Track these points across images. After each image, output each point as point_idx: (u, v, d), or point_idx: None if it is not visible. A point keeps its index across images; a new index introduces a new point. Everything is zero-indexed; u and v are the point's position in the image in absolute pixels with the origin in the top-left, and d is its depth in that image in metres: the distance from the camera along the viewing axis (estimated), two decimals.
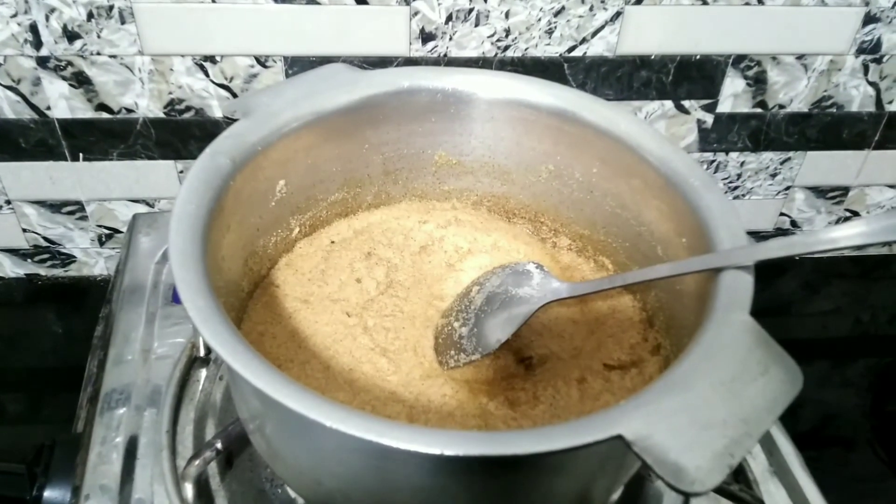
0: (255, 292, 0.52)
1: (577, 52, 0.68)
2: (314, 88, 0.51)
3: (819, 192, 0.82)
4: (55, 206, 0.74)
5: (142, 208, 0.75)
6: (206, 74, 0.66)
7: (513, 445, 0.30)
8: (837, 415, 0.72)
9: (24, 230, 0.75)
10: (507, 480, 0.36)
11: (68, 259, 0.79)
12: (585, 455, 0.32)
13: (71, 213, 0.75)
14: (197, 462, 0.47)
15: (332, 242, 0.55)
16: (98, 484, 0.49)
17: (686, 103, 0.73)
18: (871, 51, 0.71)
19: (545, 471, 0.35)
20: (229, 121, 0.49)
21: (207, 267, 0.39)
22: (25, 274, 0.80)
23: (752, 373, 0.33)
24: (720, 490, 0.49)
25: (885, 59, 0.72)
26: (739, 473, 0.53)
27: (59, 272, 0.80)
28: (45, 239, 0.76)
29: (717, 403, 0.32)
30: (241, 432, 0.48)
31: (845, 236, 0.37)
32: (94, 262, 0.79)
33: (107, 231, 0.76)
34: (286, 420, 0.37)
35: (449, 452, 0.30)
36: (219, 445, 0.48)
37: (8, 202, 0.73)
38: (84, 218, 0.75)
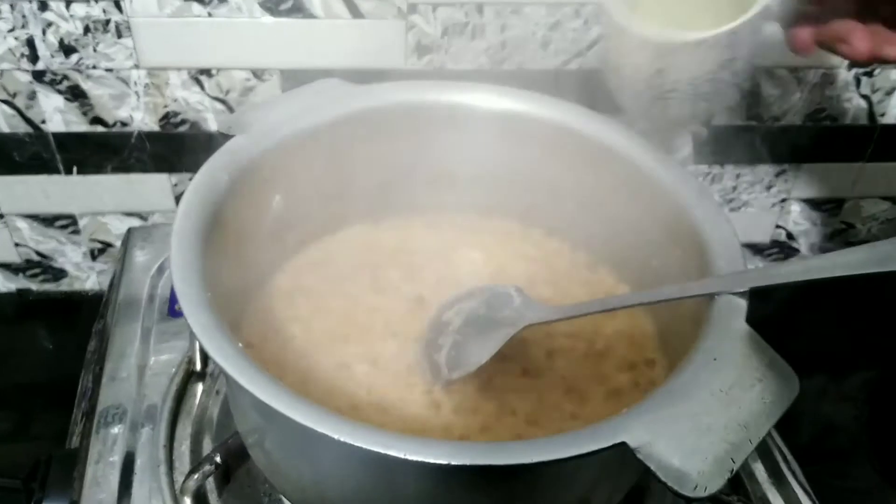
0: (250, 305, 0.52)
1: (572, 66, 0.68)
2: (309, 103, 0.52)
3: (814, 203, 0.83)
4: (48, 220, 0.74)
5: (135, 222, 0.75)
6: (202, 88, 0.66)
7: (520, 455, 0.30)
8: (835, 428, 0.73)
9: (17, 244, 0.75)
10: (513, 488, 0.36)
11: (60, 273, 0.78)
12: (588, 463, 0.33)
13: (63, 227, 0.74)
14: (196, 476, 0.47)
15: (331, 259, 0.55)
16: (96, 499, 0.48)
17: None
18: (862, 65, 0.72)
19: (549, 479, 0.35)
20: (224, 135, 0.49)
21: (207, 282, 0.39)
22: (17, 288, 0.79)
23: (750, 379, 0.34)
24: (719, 501, 0.49)
25: (876, 73, 0.73)
26: (738, 486, 0.53)
27: (50, 287, 0.80)
28: (38, 253, 0.76)
29: (717, 410, 0.33)
30: (239, 446, 0.48)
31: (846, 263, 0.36)
32: (86, 277, 0.79)
33: (99, 245, 0.76)
34: (291, 434, 0.37)
35: (456, 462, 0.30)
36: (218, 459, 0.48)
37: (0, 216, 0.73)
38: (76, 232, 0.75)
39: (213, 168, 0.46)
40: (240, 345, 0.36)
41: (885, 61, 0.46)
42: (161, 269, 0.65)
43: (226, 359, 0.34)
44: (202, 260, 0.40)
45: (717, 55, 0.46)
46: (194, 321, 0.36)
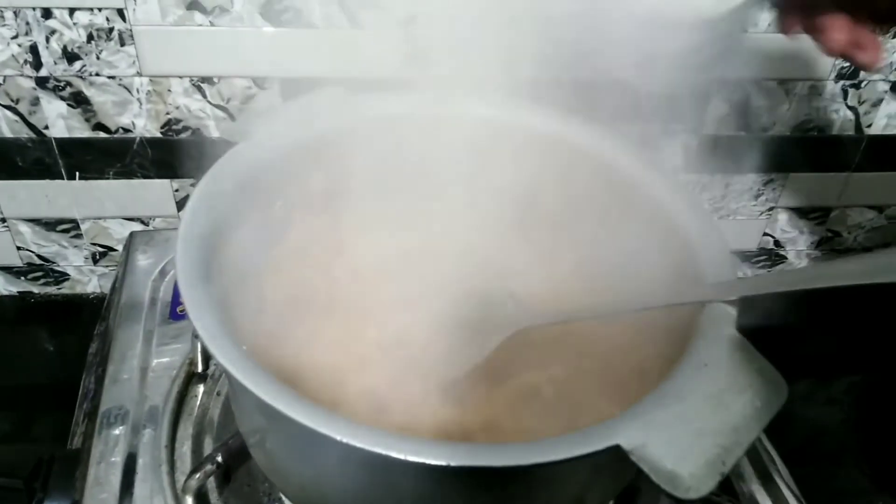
0: (252, 308, 0.53)
1: (567, 77, 0.69)
2: (310, 111, 0.53)
3: (801, 212, 0.84)
4: (50, 224, 0.75)
5: (136, 226, 0.75)
6: (204, 96, 0.67)
7: (517, 456, 0.31)
8: (823, 431, 0.74)
9: (19, 248, 0.76)
10: (510, 488, 0.37)
11: (61, 277, 0.79)
12: (583, 464, 0.34)
13: (66, 231, 0.75)
14: (197, 476, 0.48)
15: (331, 262, 0.56)
16: (98, 499, 0.49)
17: (672, 126, 0.75)
18: (849, 76, 0.73)
19: (545, 479, 0.36)
20: (227, 142, 0.50)
21: (211, 286, 0.40)
22: (18, 291, 0.80)
23: (740, 384, 0.35)
24: (709, 502, 0.50)
25: (863, 85, 0.74)
26: (728, 487, 0.54)
27: (51, 290, 0.80)
28: (39, 257, 0.77)
29: (708, 414, 0.34)
30: (239, 446, 0.49)
31: (835, 274, 0.37)
32: (87, 280, 0.80)
33: (101, 249, 0.77)
34: (293, 434, 0.37)
35: (454, 463, 0.31)
36: (219, 459, 0.49)
37: (3, 220, 0.74)
38: (78, 236, 0.76)
39: (217, 175, 0.47)
40: (244, 347, 0.37)
41: (856, 63, 0.48)
42: (163, 273, 0.65)
43: (230, 361, 0.35)
44: (206, 264, 0.41)
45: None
46: (200, 325, 0.37)
